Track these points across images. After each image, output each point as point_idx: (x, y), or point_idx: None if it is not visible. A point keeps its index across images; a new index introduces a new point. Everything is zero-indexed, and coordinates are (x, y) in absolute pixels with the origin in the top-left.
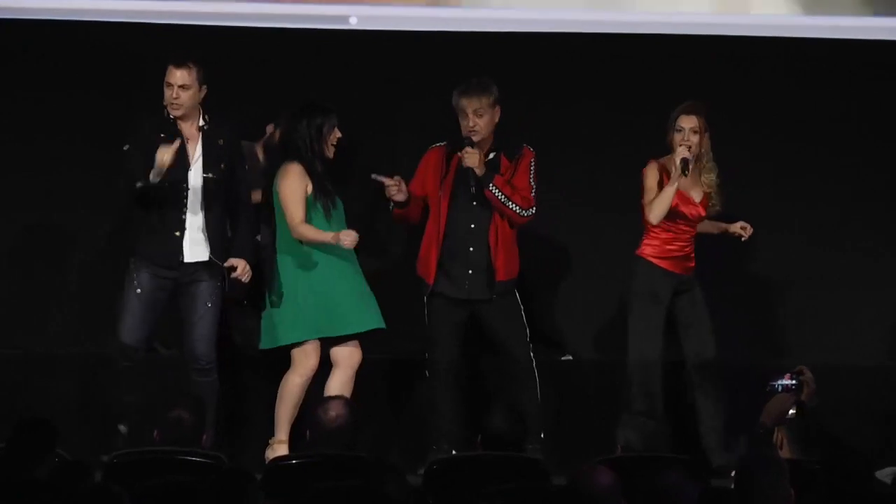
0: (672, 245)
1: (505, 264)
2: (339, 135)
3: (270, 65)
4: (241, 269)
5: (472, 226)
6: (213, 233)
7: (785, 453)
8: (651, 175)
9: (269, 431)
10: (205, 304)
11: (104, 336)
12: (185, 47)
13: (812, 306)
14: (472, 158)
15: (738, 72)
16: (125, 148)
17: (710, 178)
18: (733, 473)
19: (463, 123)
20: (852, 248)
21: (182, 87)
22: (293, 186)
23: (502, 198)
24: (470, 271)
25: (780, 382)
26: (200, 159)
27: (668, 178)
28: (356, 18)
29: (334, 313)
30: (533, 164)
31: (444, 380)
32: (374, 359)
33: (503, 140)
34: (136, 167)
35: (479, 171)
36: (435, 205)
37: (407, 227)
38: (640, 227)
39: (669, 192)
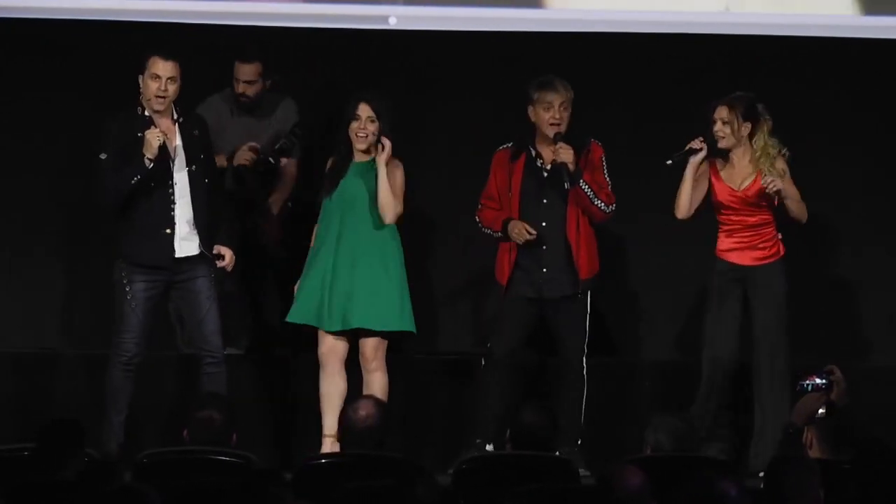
0: (732, 237)
1: (587, 262)
2: (362, 125)
3: (304, 64)
4: (229, 258)
5: (544, 224)
6: (201, 225)
7: (814, 453)
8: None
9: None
10: (207, 299)
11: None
12: (217, 48)
13: (845, 307)
14: (567, 154)
15: (796, 73)
16: (102, 157)
17: (764, 156)
18: (762, 474)
19: (546, 116)
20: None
21: (170, 79)
22: None
23: (591, 194)
24: (545, 270)
25: (809, 382)
26: (182, 153)
27: (716, 171)
28: (395, 18)
29: (298, 302)
30: (604, 159)
31: (500, 378)
32: (408, 358)
33: (569, 135)
34: (120, 172)
35: (572, 167)
36: (506, 207)
37: (451, 228)
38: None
39: (682, 184)
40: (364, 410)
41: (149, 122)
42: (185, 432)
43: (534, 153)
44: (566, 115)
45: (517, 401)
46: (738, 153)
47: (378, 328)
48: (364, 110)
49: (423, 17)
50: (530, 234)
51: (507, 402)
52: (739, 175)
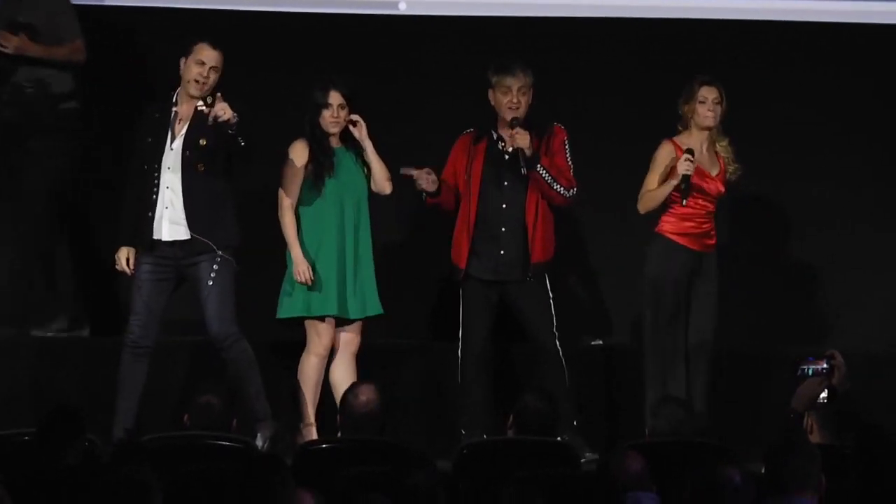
0: (690, 221)
1: (542, 245)
2: (334, 113)
3: (308, 49)
4: (219, 106)
5: (504, 206)
6: (193, 211)
7: (815, 438)
8: (661, 156)
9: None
10: (206, 284)
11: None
12: (225, 32)
13: (841, 291)
14: (523, 139)
15: (761, 57)
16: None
17: (724, 147)
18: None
19: (504, 100)
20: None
21: (213, 68)
22: (290, 164)
23: (549, 178)
24: (501, 252)
25: (810, 367)
26: (182, 139)
27: (682, 154)
28: (405, 4)
29: (320, 294)
30: (567, 142)
31: (477, 364)
32: (403, 344)
33: (531, 119)
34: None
35: (528, 152)
36: (465, 189)
37: (438, 214)
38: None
39: (663, 191)
40: (364, 396)
41: (170, 104)
42: (185, 417)
43: (495, 136)
44: (524, 99)
45: (499, 389)
46: (704, 139)
47: (377, 312)
48: (335, 98)
49: (434, 3)
50: (420, 168)
51: (488, 391)
52: (709, 162)
